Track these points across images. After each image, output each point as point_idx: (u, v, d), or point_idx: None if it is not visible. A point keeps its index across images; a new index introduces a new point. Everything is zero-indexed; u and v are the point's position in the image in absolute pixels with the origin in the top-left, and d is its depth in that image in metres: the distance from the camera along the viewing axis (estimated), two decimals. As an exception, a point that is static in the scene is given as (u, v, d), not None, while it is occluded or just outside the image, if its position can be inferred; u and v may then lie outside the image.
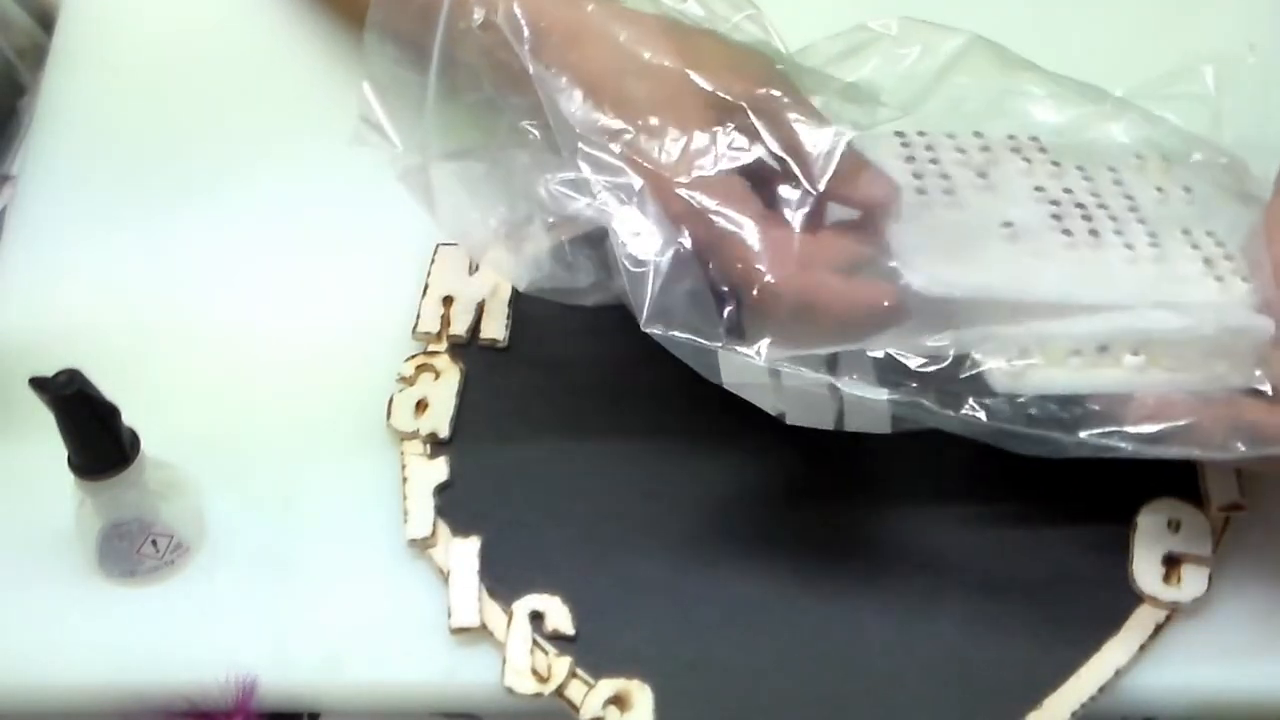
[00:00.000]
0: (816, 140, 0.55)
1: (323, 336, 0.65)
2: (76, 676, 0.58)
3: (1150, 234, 0.58)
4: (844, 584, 0.58)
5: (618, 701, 0.56)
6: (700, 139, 0.55)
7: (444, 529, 0.60)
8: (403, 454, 0.61)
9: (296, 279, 0.67)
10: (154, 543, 0.58)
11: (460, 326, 0.64)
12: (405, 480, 0.61)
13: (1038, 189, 0.59)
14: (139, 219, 0.69)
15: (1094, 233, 0.58)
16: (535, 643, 0.57)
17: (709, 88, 0.56)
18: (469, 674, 0.57)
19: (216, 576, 0.60)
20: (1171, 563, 0.57)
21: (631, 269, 0.54)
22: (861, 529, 0.59)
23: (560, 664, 0.56)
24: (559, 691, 0.56)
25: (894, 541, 0.58)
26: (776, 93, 0.56)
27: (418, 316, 0.64)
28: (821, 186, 0.55)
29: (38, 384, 0.53)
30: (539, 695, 0.56)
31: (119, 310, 0.66)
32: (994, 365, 0.53)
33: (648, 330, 0.53)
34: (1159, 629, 0.56)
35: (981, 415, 0.53)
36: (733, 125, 0.55)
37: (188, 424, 0.62)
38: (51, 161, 0.71)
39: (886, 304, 0.54)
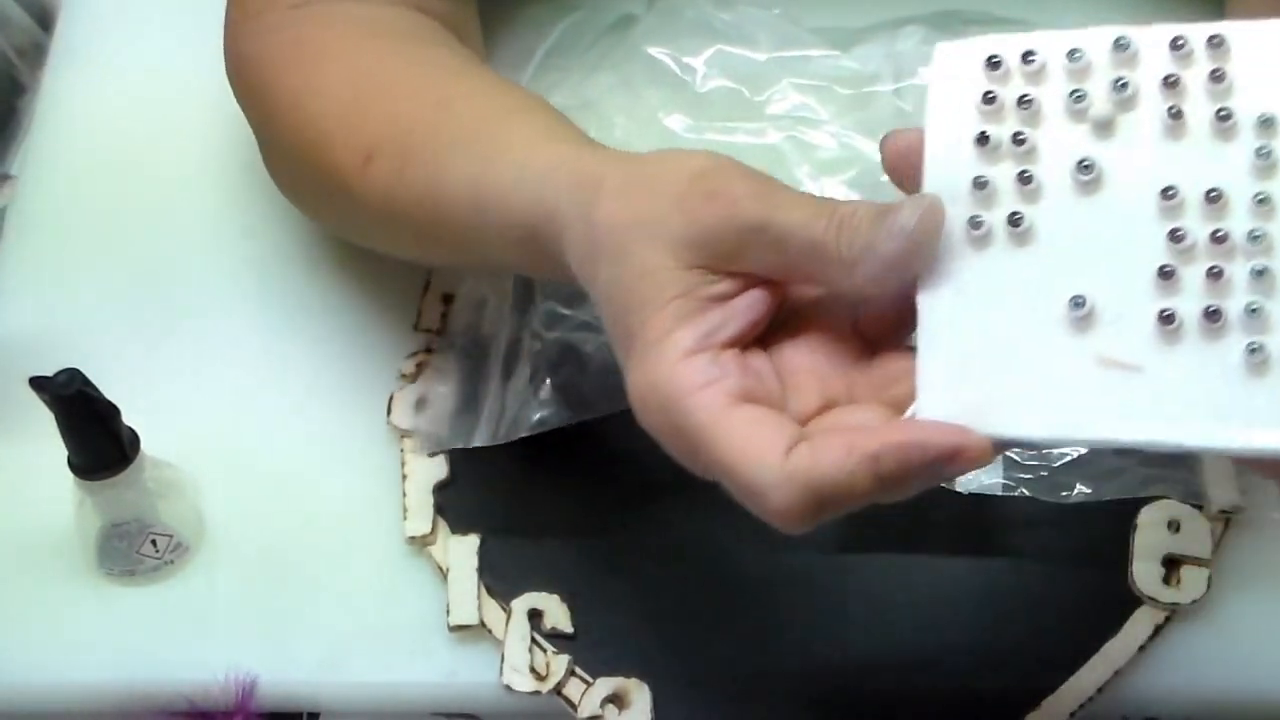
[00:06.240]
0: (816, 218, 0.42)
1: (323, 334, 0.65)
2: (76, 676, 0.58)
3: None
4: (843, 585, 0.58)
5: (616, 700, 0.56)
6: (666, 319, 0.43)
7: (443, 526, 0.60)
8: (403, 451, 0.61)
9: (297, 276, 0.67)
10: (153, 542, 0.58)
11: (461, 324, 0.64)
12: (405, 478, 0.61)
13: (1167, 194, 0.40)
14: (139, 218, 0.69)
15: (1213, 317, 0.39)
16: (534, 641, 0.57)
17: (670, 238, 0.43)
18: (467, 672, 0.57)
19: (216, 576, 0.60)
20: (1171, 564, 0.57)
21: None
22: (860, 531, 0.59)
23: (558, 662, 0.56)
24: (557, 689, 0.56)
25: (893, 544, 0.58)
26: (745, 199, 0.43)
27: (419, 313, 0.64)
28: (855, 276, 0.41)
29: (38, 384, 0.53)
30: (537, 693, 0.56)
31: (119, 310, 0.66)
32: None
33: None
34: (1159, 630, 0.56)
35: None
36: (712, 276, 0.43)
37: (187, 423, 0.62)
38: (51, 161, 0.71)
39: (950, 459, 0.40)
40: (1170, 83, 0.41)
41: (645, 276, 0.43)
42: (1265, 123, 0.40)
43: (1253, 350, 0.38)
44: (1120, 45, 0.41)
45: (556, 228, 0.47)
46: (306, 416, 0.63)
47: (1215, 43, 0.40)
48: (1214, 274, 0.39)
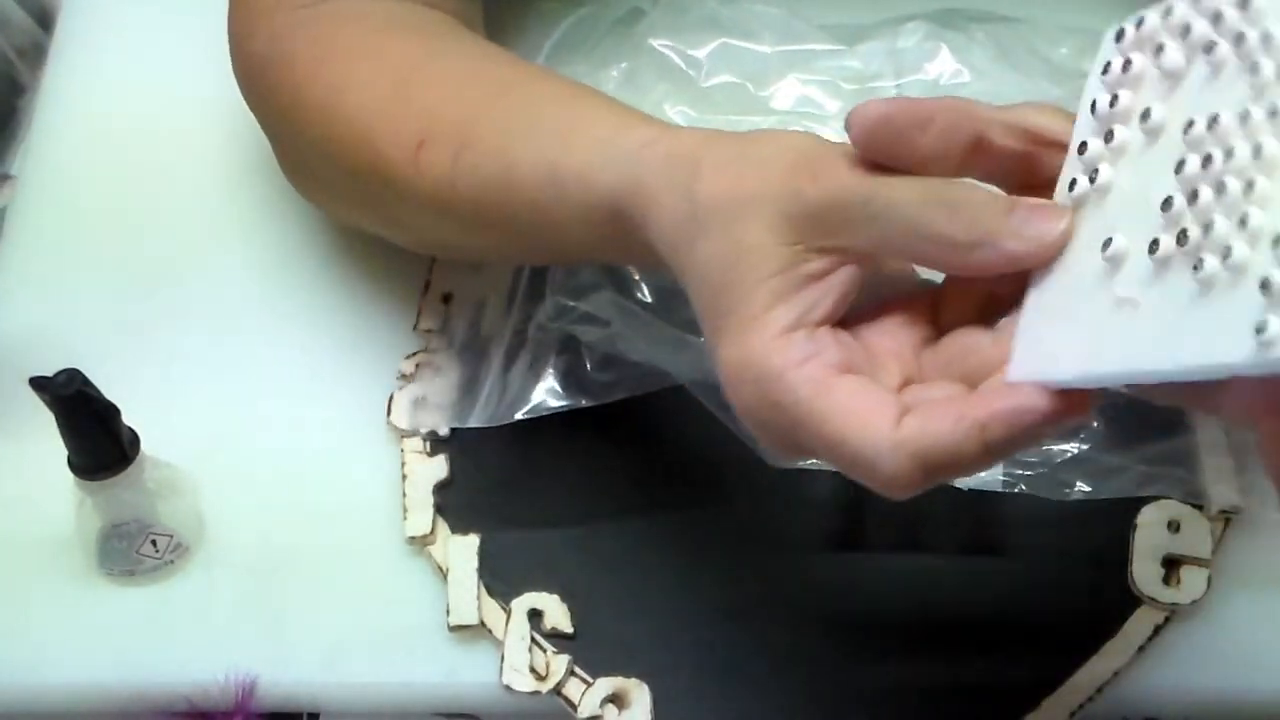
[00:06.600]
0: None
1: (323, 334, 0.65)
2: (76, 676, 0.58)
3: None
4: (842, 584, 0.58)
5: (615, 700, 0.56)
6: (764, 296, 0.43)
7: (443, 527, 0.60)
8: (402, 451, 0.61)
9: (297, 276, 0.67)
10: (153, 542, 0.58)
11: (461, 324, 0.64)
12: (405, 478, 0.61)
13: (1186, 129, 0.40)
14: (139, 218, 0.69)
15: (1182, 240, 0.39)
16: (533, 641, 0.57)
17: (773, 210, 0.44)
18: (468, 673, 0.57)
19: (215, 576, 0.60)
20: (1171, 564, 0.57)
21: None
22: (860, 528, 0.59)
23: (558, 662, 0.56)
24: (557, 689, 0.56)
25: (892, 543, 0.58)
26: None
27: (418, 313, 0.64)
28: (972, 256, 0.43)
29: (38, 384, 0.53)
30: (537, 693, 0.56)
31: (119, 310, 0.66)
32: None
33: None
34: (1158, 630, 0.56)
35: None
36: (810, 251, 0.43)
37: (187, 424, 0.62)
38: (51, 161, 0.71)
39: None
40: (1215, 19, 0.41)
41: (746, 253, 0.44)
42: (1265, 39, 0.39)
43: (1195, 268, 0.38)
44: None
45: (644, 203, 0.47)
46: (306, 417, 0.63)
47: None
48: (1192, 198, 0.39)
